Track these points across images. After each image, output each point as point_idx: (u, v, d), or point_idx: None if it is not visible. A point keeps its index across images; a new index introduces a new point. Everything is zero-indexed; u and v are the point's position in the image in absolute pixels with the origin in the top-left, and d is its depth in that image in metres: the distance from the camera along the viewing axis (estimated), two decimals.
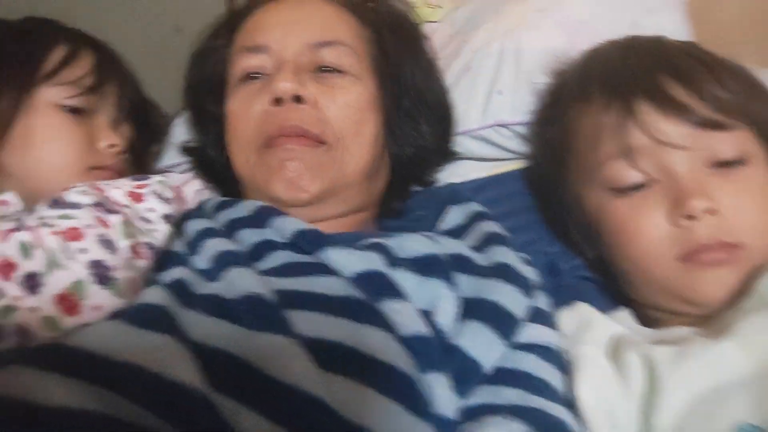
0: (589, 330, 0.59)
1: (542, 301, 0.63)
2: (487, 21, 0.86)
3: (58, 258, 0.47)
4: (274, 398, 0.43)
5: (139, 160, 0.82)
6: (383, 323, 0.51)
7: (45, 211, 0.52)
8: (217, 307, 0.51)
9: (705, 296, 0.58)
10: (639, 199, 0.61)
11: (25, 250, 0.47)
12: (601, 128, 0.63)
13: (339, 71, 0.70)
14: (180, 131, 0.91)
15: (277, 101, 0.66)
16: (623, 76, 0.63)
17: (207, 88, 0.81)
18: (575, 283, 0.75)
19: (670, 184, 0.59)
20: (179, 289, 0.53)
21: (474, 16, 0.89)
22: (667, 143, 0.59)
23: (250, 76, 0.71)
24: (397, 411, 0.45)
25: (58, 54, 0.69)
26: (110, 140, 0.71)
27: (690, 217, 0.57)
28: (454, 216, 0.72)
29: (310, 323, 0.49)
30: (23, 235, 0.48)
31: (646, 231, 0.60)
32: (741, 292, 0.56)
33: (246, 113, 0.69)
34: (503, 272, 0.59)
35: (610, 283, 0.71)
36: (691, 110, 0.59)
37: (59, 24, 0.75)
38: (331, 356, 0.47)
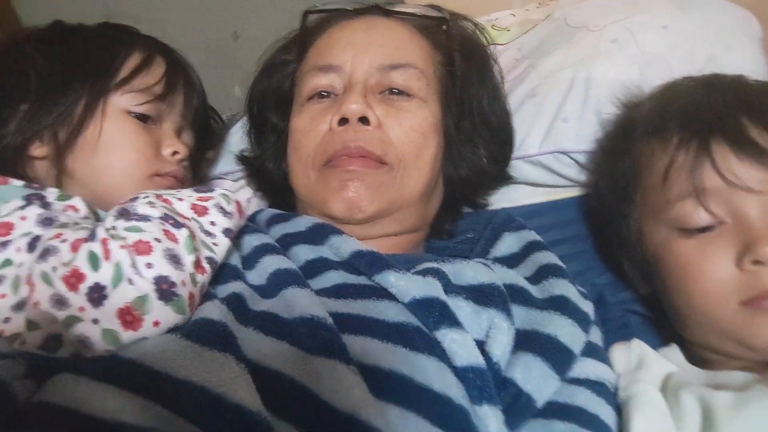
0: (645, 368, 0.59)
1: (595, 335, 0.62)
2: (559, 49, 0.84)
3: (124, 272, 0.47)
4: (332, 425, 0.43)
5: (195, 167, 0.82)
6: (439, 353, 0.50)
7: (112, 221, 0.52)
8: (275, 326, 0.50)
9: (765, 342, 0.56)
10: (706, 241, 0.60)
11: (94, 261, 0.47)
12: (674, 166, 0.61)
13: (407, 94, 0.70)
14: (235, 139, 0.92)
15: (343, 121, 0.67)
16: (703, 114, 0.62)
17: (272, 100, 0.81)
18: (622, 317, 0.74)
19: (740, 228, 0.58)
20: (236, 304, 0.53)
21: (544, 43, 0.88)
22: (742, 187, 0.57)
23: (318, 95, 0.72)
24: None
25: (133, 61, 0.70)
26: (174, 148, 0.72)
27: (759, 263, 0.56)
28: (508, 243, 0.71)
29: (365, 349, 0.49)
30: (93, 246, 0.48)
31: (711, 273, 0.59)
32: None
33: (311, 131, 0.70)
34: (561, 305, 0.59)
35: (660, 320, 0.70)
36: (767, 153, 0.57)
37: (135, 31, 0.75)
38: (386, 385, 0.47)
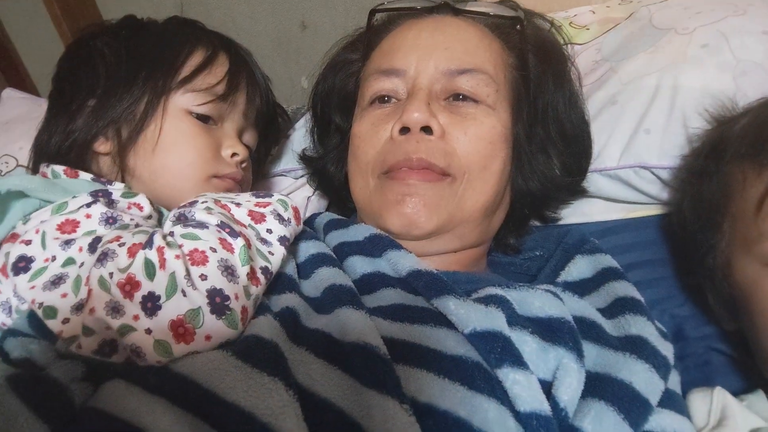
0: (728, 426, 0.54)
1: (674, 380, 0.57)
2: (642, 52, 0.78)
3: (179, 283, 0.46)
4: None
5: (258, 165, 0.81)
6: (500, 395, 0.47)
7: (170, 226, 0.51)
8: (328, 349, 0.48)
9: None
10: None
11: (150, 269, 0.46)
12: None
13: (474, 100, 0.66)
14: (299, 135, 0.90)
15: (405, 130, 0.64)
16: None
17: (336, 100, 0.79)
18: (704, 354, 0.68)
19: None
20: (289, 320, 0.51)
21: (627, 45, 0.81)
22: None
23: (380, 99, 0.69)
24: None
25: (195, 59, 0.69)
26: (234, 149, 0.70)
27: None
28: (581, 268, 0.66)
29: (421, 385, 0.46)
30: (149, 254, 0.47)
31: None
32: None
33: (372, 138, 0.67)
34: (637, 347, 0.53)
35: (746, 361, 0.64)
36: None
37: (200, 26, 0.74)
38: (441, 427, 0.44)
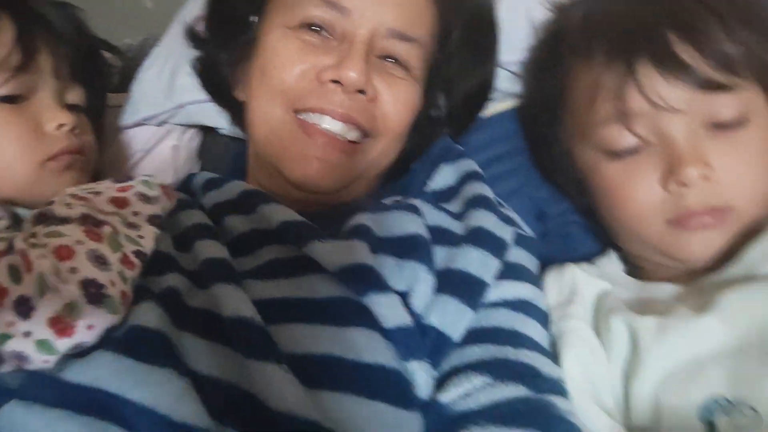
0: (576, 301, 0.61)
1: (517, 254, 0.62)
2: None
3: (48, 281, 0.46)
4: (274, 427, 0.44)
5: (96, 117, 0.73)
6: (368, 320, 0.51)
7: (31, 228, 0.50)
8: (210, 327, 0.50)
9: (692, 256, 0.59)
10: (632, 163, 0.60)
11: (14, 274, 0.45)
12: (599, 87, 0.60)
13: (405, 68, 0.66)
14: (151, 74, 0.83)
15: (337, 82, 0.61)
16: (630, 31, 0.59)
17: None
18: (564, 227, 0.76)
19: (665, 149, 0.58)
20: (172, 302, 0.52)
21: None
22: (666, 107, 0.56)
23: (311, 26, 0.63)
24: (387, 411, 0.47)
25: None
26: (58, 120, 0.63)
27: (683, 184, 0.56)
28: (445, 176, 0.69)
29: (297, 338, 0.49)
30: (12, 259, 0.46)
31: (638, 195, 0.59)
32: (729, 252, 0.57)
33: (291, 66, 0.63)
34: (475, 237, 0.59)
35: (599, 227, 0.71)
36: (692, 71, 0.56)
37: None
38: (318, 372, 0.48)
